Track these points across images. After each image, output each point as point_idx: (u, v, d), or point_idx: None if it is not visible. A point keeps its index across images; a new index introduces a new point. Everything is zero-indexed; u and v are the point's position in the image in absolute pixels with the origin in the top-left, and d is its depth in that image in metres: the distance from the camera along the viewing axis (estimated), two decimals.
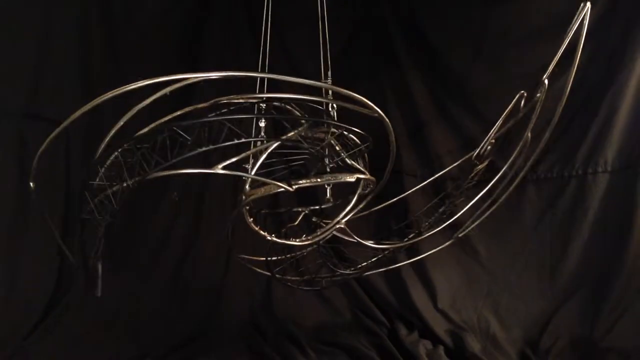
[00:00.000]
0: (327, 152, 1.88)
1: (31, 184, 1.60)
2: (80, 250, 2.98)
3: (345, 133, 1.83)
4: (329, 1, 2.21)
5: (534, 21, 3.08)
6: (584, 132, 3.12)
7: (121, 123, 1.46)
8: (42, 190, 3.09)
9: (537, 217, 3.26)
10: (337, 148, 1.85)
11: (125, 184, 1.59)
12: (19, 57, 3.07)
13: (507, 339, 3.13)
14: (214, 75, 1.37)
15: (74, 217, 3.21)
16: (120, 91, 1.29)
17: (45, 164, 3.09)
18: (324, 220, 2.15)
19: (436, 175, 2.79)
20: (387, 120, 1.57)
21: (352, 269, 2.49)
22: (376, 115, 1.53)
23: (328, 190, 2.11)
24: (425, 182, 2.79)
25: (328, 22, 2.22)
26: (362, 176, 1.81)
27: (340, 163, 1.89)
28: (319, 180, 1.84)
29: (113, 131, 1.43)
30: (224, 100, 1.55)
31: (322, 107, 1.82)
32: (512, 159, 2.24)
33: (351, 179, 1.80)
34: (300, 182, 1.75)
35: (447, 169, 2.76)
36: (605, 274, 3.10)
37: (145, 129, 1.52)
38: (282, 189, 1.69)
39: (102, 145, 1.49)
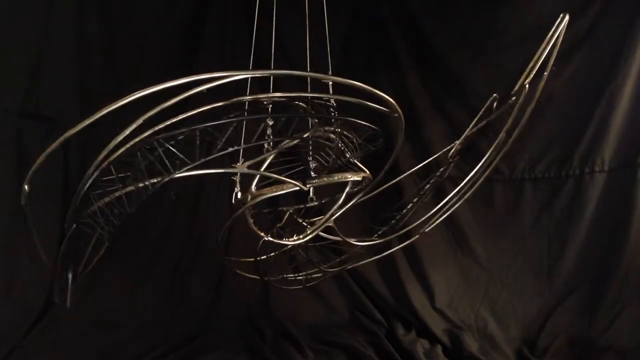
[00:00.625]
0: (335, 150, 1.88)
1: (26, 187, 1.49)
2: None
3: (345, 133, 1.83)
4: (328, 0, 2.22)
5: (534, 21, 3.09)
6: (581, 132, 3.14)
7: (135, 126, 1.36)
8: (39, 193, 3.12)
9: (535, 217, 3.27)
10: (340, 146, 1.85)
11: (143, 184, 1.51)
12: (17, 57, 3.07)
13: (504, 338, 3.13)
14: (258, 73, 1.34)
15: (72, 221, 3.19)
16: (134, 98, 1.22)
17: (43, 166, 3.12)
18: (310, 219, 2.14)
19: (408, 172, 2.78)
20: (403, 120, 1.57)
21: (326, 265, 2.44)
22: (396, 115, 1.53)
23: (311, 190, 2.10)
24: (402, 176, 2.78)
25: (327, 21, 2.23)
26: (366, 175, 1.82)
27: (343, 162, 1.89)
28: (332, 179, 1.82)
29: (129, 131, 1.34)
30: (248, 99, 1.53)
31: (329, 104, 1.81)
32: (485, 157, 2.28)
33: (358, 177, 1.81)
34: (314, 181, 1.74)
35: (414, 168, 2.76)
36: (602, 273, 3.12)
37: (152, 125, 1.43)
38: (296, 189, 1.67)
39: (108, 149, 1.40)
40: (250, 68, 2.21)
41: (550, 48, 1.95)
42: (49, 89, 3.14)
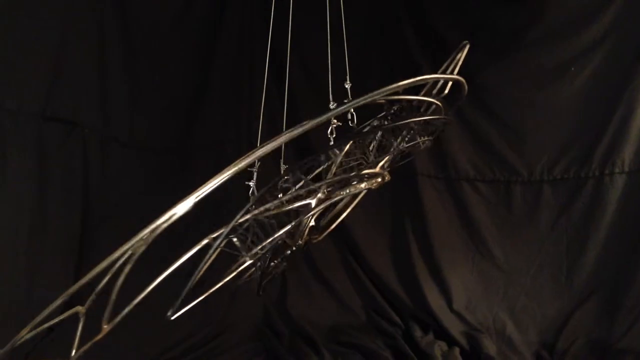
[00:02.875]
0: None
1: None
2: None
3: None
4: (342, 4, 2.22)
5: (553, 19, 3.08)
6: (601, 132, 3.10)
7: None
8: (59, 192, 3.16)
9: (554, 219, 3.23)
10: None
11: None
12: (37, 59, 3.10)
13: (523, 340, 3.10)
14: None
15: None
16: None
17: (61, 172, 3.16)
18: None
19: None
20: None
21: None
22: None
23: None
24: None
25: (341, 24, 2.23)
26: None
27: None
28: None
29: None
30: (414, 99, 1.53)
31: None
32: (383, 162, 2.28)
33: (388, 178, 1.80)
34: (378, 180, 1.69)
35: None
36: (622, 276, 3.07)
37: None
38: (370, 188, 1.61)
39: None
40: (267, 68, 2.20)
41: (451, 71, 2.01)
42: (68, 91, 3.18)
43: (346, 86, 2.03)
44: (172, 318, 1.46)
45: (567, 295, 3.18)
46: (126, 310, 1.19)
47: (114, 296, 1.17)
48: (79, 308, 1.20)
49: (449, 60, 2.05)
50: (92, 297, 1.18)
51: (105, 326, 1.18)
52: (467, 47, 2.03)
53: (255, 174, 1.88)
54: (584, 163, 3.15)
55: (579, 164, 3.16)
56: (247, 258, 1.52)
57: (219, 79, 3.50)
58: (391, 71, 3.49)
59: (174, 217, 1.10)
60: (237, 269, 1.61)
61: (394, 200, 3.56)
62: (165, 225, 1.10)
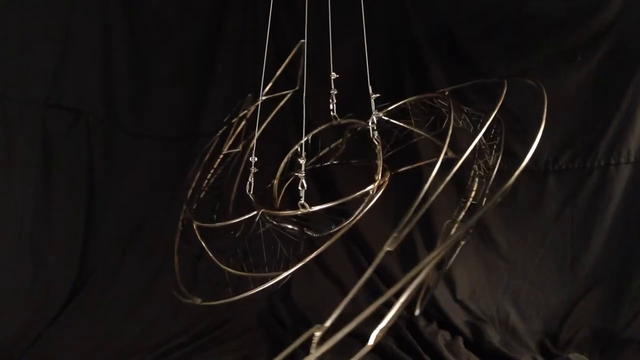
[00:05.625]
0: None
1: None
2: None
3: None
4: None
5: (552, 11, 3.07)
6: (607, 123, 3.08)
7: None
8: (63, 188, 3.17)
9: (558, 209, 3.22)
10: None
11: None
12: (41, 48, 3.10)
13: (526, 330, 3.11)
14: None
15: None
16: None
17: (66, 160, 3.17)
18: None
19: None
20: None
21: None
22: None
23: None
24: None
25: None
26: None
27: None
28: None
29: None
30: None
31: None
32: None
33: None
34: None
35: None
36: (627, 266, 3.06)
37: None
38: None
39: None
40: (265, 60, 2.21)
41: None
42: (73, 79, 3.18)
43: (332, 77, 2.04)
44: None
45: (571, 285, 3.18)
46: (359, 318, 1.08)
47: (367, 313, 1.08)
48: (314, 330, 1.10)
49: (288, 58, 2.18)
50: (334, 316, 1.08)
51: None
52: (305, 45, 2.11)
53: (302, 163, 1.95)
54: (589, 153, 3.13)
55: (584, 154, 3.15)
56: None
57: (224, 65, 3.49)
58: (397, 59, 3.48)
59: None
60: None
61: (398, 189, 3.55)
62: None
